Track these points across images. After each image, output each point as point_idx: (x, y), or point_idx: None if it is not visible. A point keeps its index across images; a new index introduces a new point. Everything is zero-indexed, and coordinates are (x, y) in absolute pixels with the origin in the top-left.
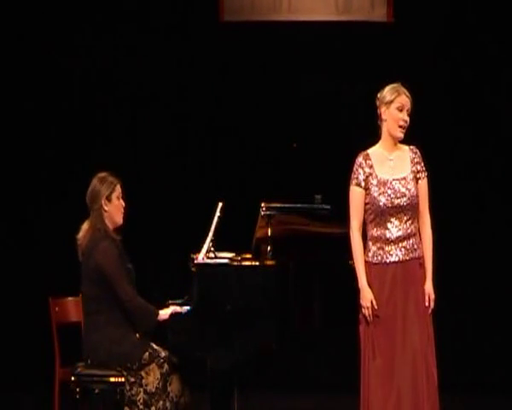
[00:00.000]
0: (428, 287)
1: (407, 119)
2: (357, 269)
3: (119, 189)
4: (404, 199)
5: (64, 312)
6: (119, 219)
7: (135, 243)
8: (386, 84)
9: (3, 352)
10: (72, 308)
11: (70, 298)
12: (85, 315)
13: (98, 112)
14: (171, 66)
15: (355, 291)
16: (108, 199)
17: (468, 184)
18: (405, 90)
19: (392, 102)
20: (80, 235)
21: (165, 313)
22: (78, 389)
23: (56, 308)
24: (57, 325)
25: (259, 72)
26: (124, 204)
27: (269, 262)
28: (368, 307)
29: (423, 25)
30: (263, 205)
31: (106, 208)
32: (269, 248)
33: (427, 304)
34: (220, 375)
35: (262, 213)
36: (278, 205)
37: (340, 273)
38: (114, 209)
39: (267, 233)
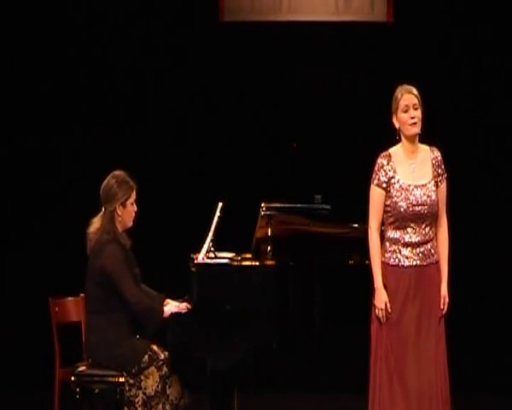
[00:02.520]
0: (444, 290)
1: (415, 114)
2: (373, 269)
3: (134, 195)
4: (425, 207)
5: (64, 312)
6: (130, 223)
7: (135, 243)
8: (386, 84)
9: (4, 352)
10: (72, 308)
11: (70, 298)
12: (87, 314)
13: (98, 112)
14: (171, 66)
15: (355, 291)
16: (123, 205)
17: (467, 182)
18: (407, 88)
19: (397, 108)
20: (91, 230)
21: (167, 310)
22: (78, 389)
23: (56, 308)
24: (57, 325)
25: (259, 72)
26: (136, 209)
27: (269, 262)
28: (382, 309)
29: (423, 25)
30: (263, 205)
31: (119, 213)
32: (269, 248)
33: (442, 307)
34: (220, 375)
35: (262, 213)
36: (278, 205)
37: (339, 273)
38: (127, 215)
39: (267, 233)
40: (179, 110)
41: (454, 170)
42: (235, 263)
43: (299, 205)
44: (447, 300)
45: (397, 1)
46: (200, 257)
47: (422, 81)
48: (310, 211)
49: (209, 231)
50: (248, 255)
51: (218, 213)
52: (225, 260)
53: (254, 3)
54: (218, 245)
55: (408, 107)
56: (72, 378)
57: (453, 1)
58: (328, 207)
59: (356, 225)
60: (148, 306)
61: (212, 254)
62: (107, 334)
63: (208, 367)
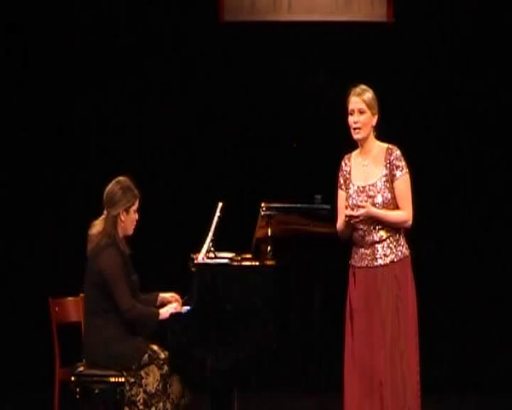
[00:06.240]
0: (369, 208)
1: (358, 119)
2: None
3: (137, 203)
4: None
5: (64, 312)
6: (131, 231)
7: (135, 243)
8: (386, 83)
9: (4, 352)
10: (72, 308)
11: (70, 298)
12: (85, 315)
13: (98, 112)
14: (171, 66)
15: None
16: (127, 211)
17: (466, 186)
18: (357, 90)
19: (347, 110)
20: (93, 232)
21: (165, 311)
22: (78, 389)
23: (56, 308)
24: (57, 325)
25: (259, 72)
26: (137, 217)
27: (269, 262)
28: (346, 215)
29: (423, 25)
30: (263, 205)
31: (122, 219)
32: (269, 248)
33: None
34: (220, 375)
35: (262, 213)
36: (278, 205)
37: (339, 273)
38: (129, 221)
39: (267, 233)
40: (179, 110)
41: (450, 169)
42: (235, 263)
43: (299, 205)
44: (361, 211)
45: (397, 1)
46: (200, 257)
47: (421, 81)
48: (310, 211)
49: (209, 231)
50: (248, 255)
51: (218, 213)
52: (225, 260)
53: (254, 3)
54: (218, 245)
55: (353, 111)
56: (72, 378)
57: (453, 1)
58: (328, 207)
59: None
60: (142, 312)
61: (212, 254)
62: (106, 333)
63: (208, 367)
